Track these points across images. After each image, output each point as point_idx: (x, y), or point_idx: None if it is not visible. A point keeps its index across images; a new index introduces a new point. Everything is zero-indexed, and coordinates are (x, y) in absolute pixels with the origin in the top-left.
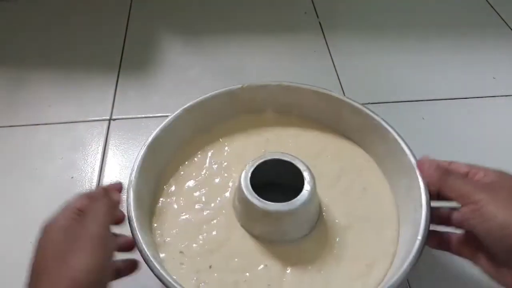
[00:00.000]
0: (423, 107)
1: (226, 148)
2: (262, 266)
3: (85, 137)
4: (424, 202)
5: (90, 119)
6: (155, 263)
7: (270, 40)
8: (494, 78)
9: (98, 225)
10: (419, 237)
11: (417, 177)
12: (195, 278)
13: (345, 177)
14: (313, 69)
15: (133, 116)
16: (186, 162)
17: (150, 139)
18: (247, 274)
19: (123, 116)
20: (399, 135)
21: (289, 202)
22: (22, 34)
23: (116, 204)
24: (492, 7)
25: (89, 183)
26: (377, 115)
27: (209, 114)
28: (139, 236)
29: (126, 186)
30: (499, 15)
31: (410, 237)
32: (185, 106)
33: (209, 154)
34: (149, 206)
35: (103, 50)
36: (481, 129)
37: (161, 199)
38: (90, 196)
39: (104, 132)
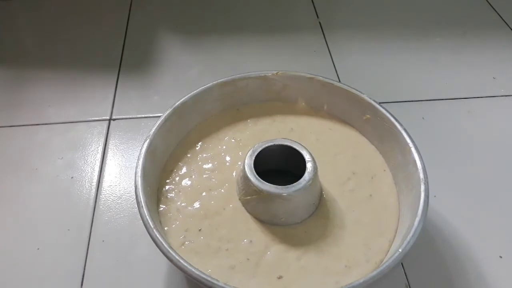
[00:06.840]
0: (423, 107)
1: (249, 128)
2: (246, 240)
3: (85, 137)
4: (420, 212)
5: (90, 119)
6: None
7: (270, 40)
8: (494, 78)
9: None
10: (400, 250)
11: (420, 191)
12: (183, 236)
13: (356, 180)
14: (313, 69)
15: (133, 116)
16: (209, 133)
17: (177, 103)
18: (231, 244)
19: (123, 116)
20: (415, 147)
21: (282, 186)
22: (22, 34)
23: None
24: (492, 7)
25: (89, 183)
26: (400, 124)
27: (240, 94)
28: (142, 196)
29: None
30: (499, 15)
31: (396, 248)
32: (218, 81)
33: (232, 131)
34: (163, 165)
35: (103, 50)
36: (481, 129)
37: (176, 162)
38: None
39: (104, 132)
